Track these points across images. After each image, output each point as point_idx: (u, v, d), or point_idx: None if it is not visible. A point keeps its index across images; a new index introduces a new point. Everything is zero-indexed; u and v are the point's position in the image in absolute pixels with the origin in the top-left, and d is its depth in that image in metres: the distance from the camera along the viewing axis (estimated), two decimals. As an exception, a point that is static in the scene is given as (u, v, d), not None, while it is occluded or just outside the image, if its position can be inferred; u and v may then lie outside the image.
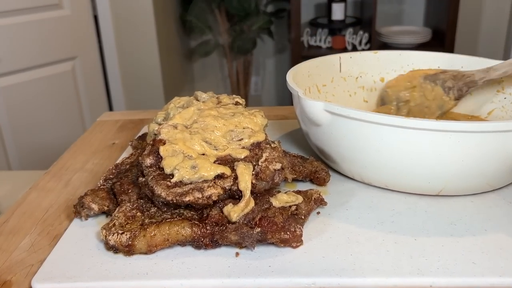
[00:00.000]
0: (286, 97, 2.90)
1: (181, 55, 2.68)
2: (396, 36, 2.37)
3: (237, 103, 0.61)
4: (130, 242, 0.46)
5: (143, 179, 0.51)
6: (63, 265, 0.46)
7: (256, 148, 0.52)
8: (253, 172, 0.49)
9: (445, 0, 2.28)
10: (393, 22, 2.59)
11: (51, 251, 0.48)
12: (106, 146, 0.75)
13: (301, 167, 0.57)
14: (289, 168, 0.56)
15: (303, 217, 0.49)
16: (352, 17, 2.57)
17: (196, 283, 0.44)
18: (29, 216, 0.56)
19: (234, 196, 0.48)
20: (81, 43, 2.00)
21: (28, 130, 1.86)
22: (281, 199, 0.49)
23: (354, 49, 2.41)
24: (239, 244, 0.46)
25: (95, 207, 0.52)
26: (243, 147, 0.52)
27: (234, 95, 0.63)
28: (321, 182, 0.58)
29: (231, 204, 0.47)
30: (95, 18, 2.15)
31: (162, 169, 0.50)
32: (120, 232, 0.46)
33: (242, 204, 0.47)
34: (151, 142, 0.53)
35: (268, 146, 0.52)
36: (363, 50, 2.39)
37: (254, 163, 0.50)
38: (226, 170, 0.49)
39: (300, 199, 0.50)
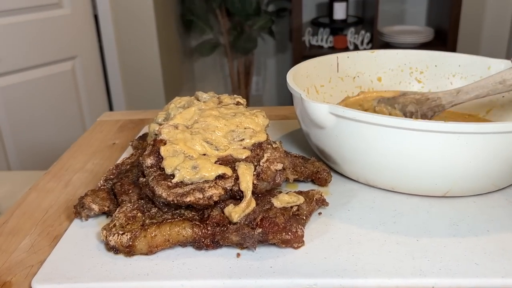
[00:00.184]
0: (287, 97, 2.90)
1: (181, 55, 2.68)
2: (398, 35, 2.36)
3: (238, 103, 0.61)
4: (130, 243, 0.46)
5: (144, 180, 0.50)
6: (63, 266, 0.46)
7: (258, 148, 0.52)
8: (254, 173, 0.49)
9: (448, 0, 2.28)
10: (395, 22, 2.59)
11: (51, 252, 0.48)
12: (106, 146, 0.75)
13: (302, 167, 0.57)
14: (291, 169, 0.56)
15: (304, 217, 0.49)
16: (354, 16, 2.57)
17: (197, 284, 0.43)
18: (29, 217, 0.56)
19: (235, 196, 0.48)
20: (81, 42, 2.00)
21: (28, 130, 1.86)
22: (282, 200, 0.49)
23: (356, 48, 2.41)
24: (240, 245, 0.46)
25: (95, 207, 0.52)
26: (244, 148, 0.52)
27: (235, 95, 0.62)
28: (323, 182, 0.57)
29: (232, 204, 0.47)
30: (95, 17, 2.14)
31: (163, 169, 0.50)
32: (121, 232, 0.46)
33: (243, 204, 0.47)
34: (152, 142, 0.52)
35: (269, 146, 0.52)
36: (365, 49, 2.38)
37: (255, 164, 0.50)
38: (227, 171, 0.49)
39: (301, 199, 0.50)
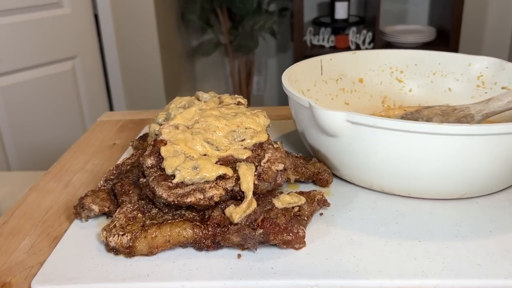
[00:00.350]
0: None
1: (182, 54, 2.68)
2: (400, 35, 2.36)
3: (239, 103, 0.60)
4: (131, 244, 0.45)
5: (144, 180, 0.50)
6: (63, 266, 0.46)
7: (259, 148, 0.52)
8: (255, 173, 0.49)
9: (450, -1, 2.28)
10: (397, 21, 2.59)
11: (51, 253, 0.48)
12: (106, 146, 0.75)
13: (303, 168, 0.57)
14: (292, 169, 0.55)
15: (306, 218, 0.49)
16: (356, 16, 2.56)
17: (197, 285, 0.43)
18: (29, 217, 0.55)
19: (236, 197, 0.48)
20: (82, 42, 2.00)
21: (28, 130, 1.86)
22: (283, 200, 0.49)
23: (358, 48, 2.41)
24: (241, 246, 0.46)
25: (95, 208, 0.51)
26: (245, 148, 0.52)
27: (236, 95, 0.62)
28: (324, 183, 0.57)
29: (233, 205, 0.47)
30: (96, 17, 2.14)
31: (163, 169, 0.49)
32: (121, 233, 0.46)
33: (244, 205, 0.46)
34: (152, 143, 0.52)
35: (270, 146, 0.52)
36: (366, 49, 2.38)
37: (256, 164, 0.50)
38: (228, 171, 0.48)
39: (303, 200, 0.50)
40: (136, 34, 2.25)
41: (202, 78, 2.90)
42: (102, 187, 0.55)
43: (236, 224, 0.46)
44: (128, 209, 0.49)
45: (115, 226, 0.47)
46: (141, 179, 0.51)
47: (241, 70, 2.73)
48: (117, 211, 0.49)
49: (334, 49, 2.45)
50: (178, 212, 0.49)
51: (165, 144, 0.51)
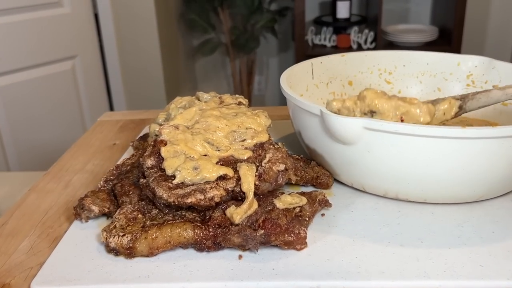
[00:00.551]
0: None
1: (183, 54, 2.68)
2: (402, 34, 2.36)
3: (240, 103, 0.60)
4: (131, 245, 0.45)
5: (144, 181, 0.50)
6: (63, 268, 0.45)
7: (259, 148, 0.52)
8: (256, 173, 0.48)
9: (452, -2, 2.27)
10: (399, 21, 2.58)
11: (51, 254, 0.48)
12: (106, 146, 0.75)
13: (303, 171, 0.56)
14: (293, 169, 0.55)
15: (307, 219, 0.49)
16: (358, 15, 2.56)
17: (198, 286, 0.43)
18: (28, 218, 0.55)
19: (237, 197, 0.48)
20: (82, 41, 2.00)
21: (27, 130, 1.86)
22: (285, 201, 0.49)
23: (360, 48, 2.40)
24: (242, 247, 0.46)
25: (95, 209, 0.51)
26: (246, 148, 0.52)
27: (237, 95, 0.62)
28: (325, 186, 0.57)
29: (233, 206, 0.47)
30: (96, 16, 2.14)
31: (163, 170, 0.49)
32: (121, 234, 0.46)
33: (245, 205, 0.46)
34: (152, 143, 0.52)
35: (271, 146, 0.52)
36: (368, 49, 2.38)
37: (257, 164, 0.50)
38: (229, 171, 0.48)
39: (304, 200, 0.49)
40: (137, 34, 2.25)
41: (203, 78, 2.90)
42: (102, 188, 0.55)
43: (237, 225, 0.46)
44: (128, 209, 0.49)
45: (115, 227, 0.47)
46: (141, 180, 0.51)
47: (242, 70, 2.73)
48: (117, 211, 0.49)
49: (335, 48, 2.44)
50: (178, 212, 0.48)
51: (165, 144, 0.51)
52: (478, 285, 0.42)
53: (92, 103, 2.09)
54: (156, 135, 0.53)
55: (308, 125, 0.56)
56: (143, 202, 0.50)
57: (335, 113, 0.53)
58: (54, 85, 1.92)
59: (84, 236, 0.50)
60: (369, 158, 0.51)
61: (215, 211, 0.47)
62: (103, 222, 0.52)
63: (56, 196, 0.60)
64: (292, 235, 0.45)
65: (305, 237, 0.46)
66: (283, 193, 0.51)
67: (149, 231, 0.46)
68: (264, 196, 0.49)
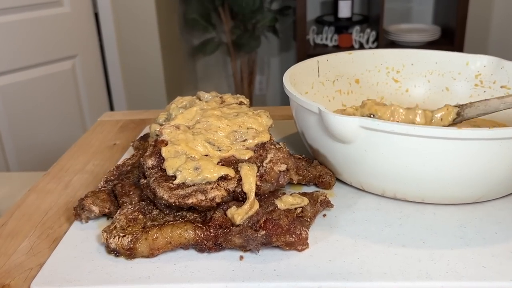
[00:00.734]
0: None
1: (184, 54, 2.67)
2: (404, 34, 2.35)
3: (241, 103, 0.60)
4: (131, 245, 0.45)
5: (145, 181, 0.50)
6: (63, 268, 0.45)
7: (261, 149, 0.51)
8: (258, 174, 0.48)
9: (455, -3, 2.27)
10: (401, 20, 2.58)
11: (51, 254, 0.47)
12: (107, 146, 0.74)
13: (305, 171, 0.56)
14: (294, 169, 0.55)
15: (309, 219, 0.48)
16: (359, 14, 2.55)
17: (199, 287, 0.43)
18: (28, 219, 0.55)
19: (238, 198, 0.48)
20: (82, 41, 2.00)
21: (27, 130, 1.86)
22: (286, 201, 0.48)
23: (361, 47, 2.39)
24: (243, 247, 0.46)
25: (95, 209, 0.51)
26: (247, 148, 0.51)
27: (238, 95, 0.62)
28: (326, 186, 0.57)
29: (235, 206, 0.46)
30: (96, 15, 2.14)
31: (164, 170, 0.49)
32: (122, 235, 0.46)
33: (246, 206, 0.46)
34: (153, 143, 0.52)
35: (273, 147, 0.51)
36: (370, 48, 2.37)
37: (259, 164, 0.50)
38: (230, 172, 0.48)
39: (306, 201, 0.49)
40: (137, 33, 2.25)
41: (203, 77, 2.89)
42: (102, 188, 0.55)
43: (238, 225, 0.45)
44: (128, 210, 0.48)
45: (115, 227, 0.47)
46: (142, 180, 0.51)
47: (243, 70, 2.73)
48: (118, 212, 0.49)
49: (337, 48, 2.43)
50: (179, 213, 0.48)
51: (166, 144, 0.51)
52: (481, 286, 0.42)
53: (92, 103, 2.09)
54: (157, 135, 0.53)
55: (310, 124, 0.56)
56: (143, 202, 0.50)
57: None
58: (54, 85, 1.92)
59: (84, 236, 0.50)
60: (367, 157, 0.51)
61: (216, 212, 0.47)
62: (104, 222, 0.52)
63: (56, 196, 0.60)
64: (293, 235, 0.45)
65: (307, 238, 0.46)
66: (284, 193, 0.51)
67: (149, 232, 0.46)
68: (266, 196, 0.49)
